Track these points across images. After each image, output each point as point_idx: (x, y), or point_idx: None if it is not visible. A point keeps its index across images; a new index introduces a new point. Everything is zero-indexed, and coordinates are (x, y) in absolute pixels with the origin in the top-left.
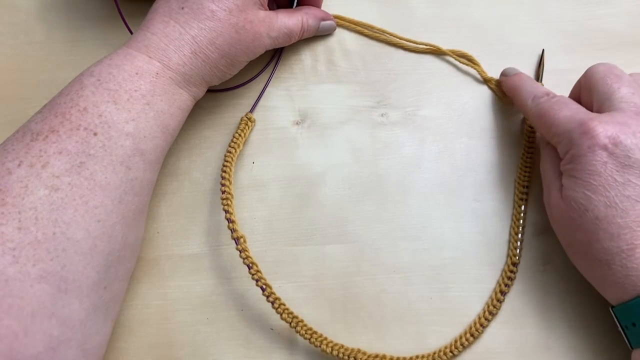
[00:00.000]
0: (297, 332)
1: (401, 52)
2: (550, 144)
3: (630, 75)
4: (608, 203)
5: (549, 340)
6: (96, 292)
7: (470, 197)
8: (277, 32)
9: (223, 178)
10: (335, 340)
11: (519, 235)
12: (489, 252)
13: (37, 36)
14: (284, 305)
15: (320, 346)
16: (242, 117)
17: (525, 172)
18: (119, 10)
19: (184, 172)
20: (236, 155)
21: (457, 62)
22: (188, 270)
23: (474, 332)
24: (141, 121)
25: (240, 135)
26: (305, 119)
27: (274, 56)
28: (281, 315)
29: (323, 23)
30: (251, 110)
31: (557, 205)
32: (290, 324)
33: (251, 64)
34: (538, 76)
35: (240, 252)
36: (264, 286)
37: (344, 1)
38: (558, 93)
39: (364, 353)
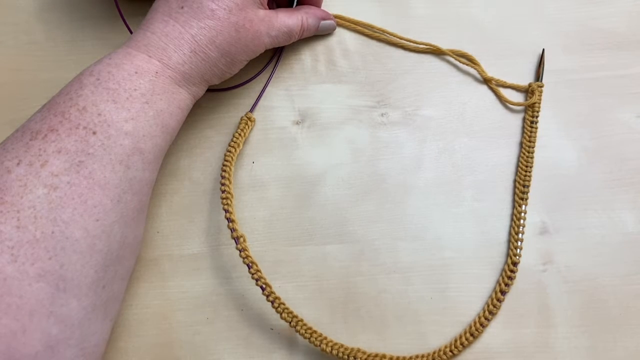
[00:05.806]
0: (297, 331)
1: (401, 52)
2: None
3: None
4: None
5: (549, 340)
6: (95, 291)
7: (470, 197)
8: (277, 31)
9: (223, 178)
10: (335, 340)
11: (519, 235)
12: (489, 252)
13: (37, 36)
14: (284, 304)
15: (320, 346)
16: (242, 117)
17: (525, 172)
18: (119, 10)
19: (184, 172)
20: (236, 155)
21: (457, 62)
22: (188, 270)
23: (474, 332)
24: (140, 120)
25: (240, 135)
26: (305, 119)
27: (274, 56)
28: (281, 314)
29: (323, 22)
30: (251, 110)
31: None
32: (290, 323)
33: (251, 63)
34: (538, 76)
35: (240, 251)
36: (264, 286)
37: (344, 1)
38: (558, 93)
39: (364, 353)
